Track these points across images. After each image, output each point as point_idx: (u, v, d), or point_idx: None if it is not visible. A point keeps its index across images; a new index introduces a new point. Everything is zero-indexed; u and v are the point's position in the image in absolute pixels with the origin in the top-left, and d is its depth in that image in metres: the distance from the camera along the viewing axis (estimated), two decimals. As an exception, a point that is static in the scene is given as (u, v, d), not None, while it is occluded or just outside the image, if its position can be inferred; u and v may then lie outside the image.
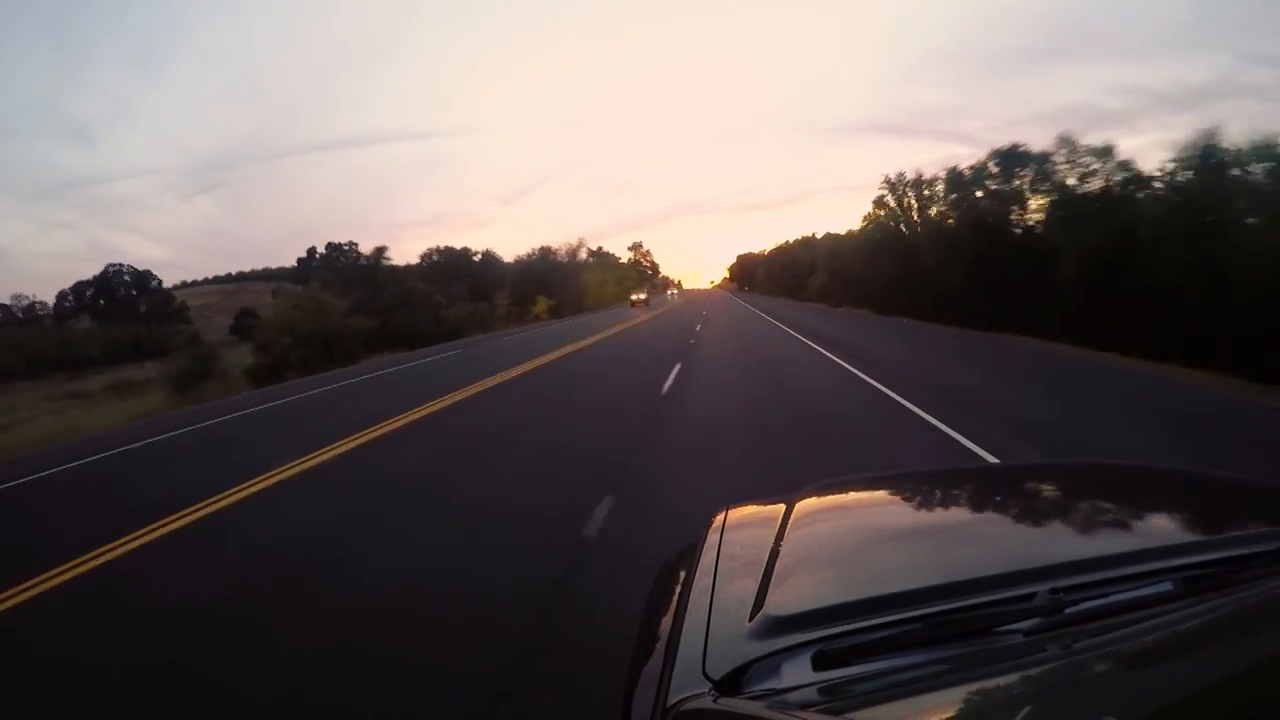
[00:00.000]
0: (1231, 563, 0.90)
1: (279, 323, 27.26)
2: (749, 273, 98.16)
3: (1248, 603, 0.80)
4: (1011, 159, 18.60)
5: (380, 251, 41.74)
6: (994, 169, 19.44)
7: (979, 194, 20.21)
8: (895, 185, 26.15)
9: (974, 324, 17.39)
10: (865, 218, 28.80)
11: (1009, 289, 16.46)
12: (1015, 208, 18.31)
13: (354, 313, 30.91)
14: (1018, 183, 18.35)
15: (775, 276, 62.45)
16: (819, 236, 55.08)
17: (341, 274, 41.44)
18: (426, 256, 52.87)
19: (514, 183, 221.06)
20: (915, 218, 25.32)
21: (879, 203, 27.30)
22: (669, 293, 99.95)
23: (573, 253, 66.02)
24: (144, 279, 68.83)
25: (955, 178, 21.87)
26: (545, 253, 61.02)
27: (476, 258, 55.55)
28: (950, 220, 21.85)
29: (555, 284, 53.66)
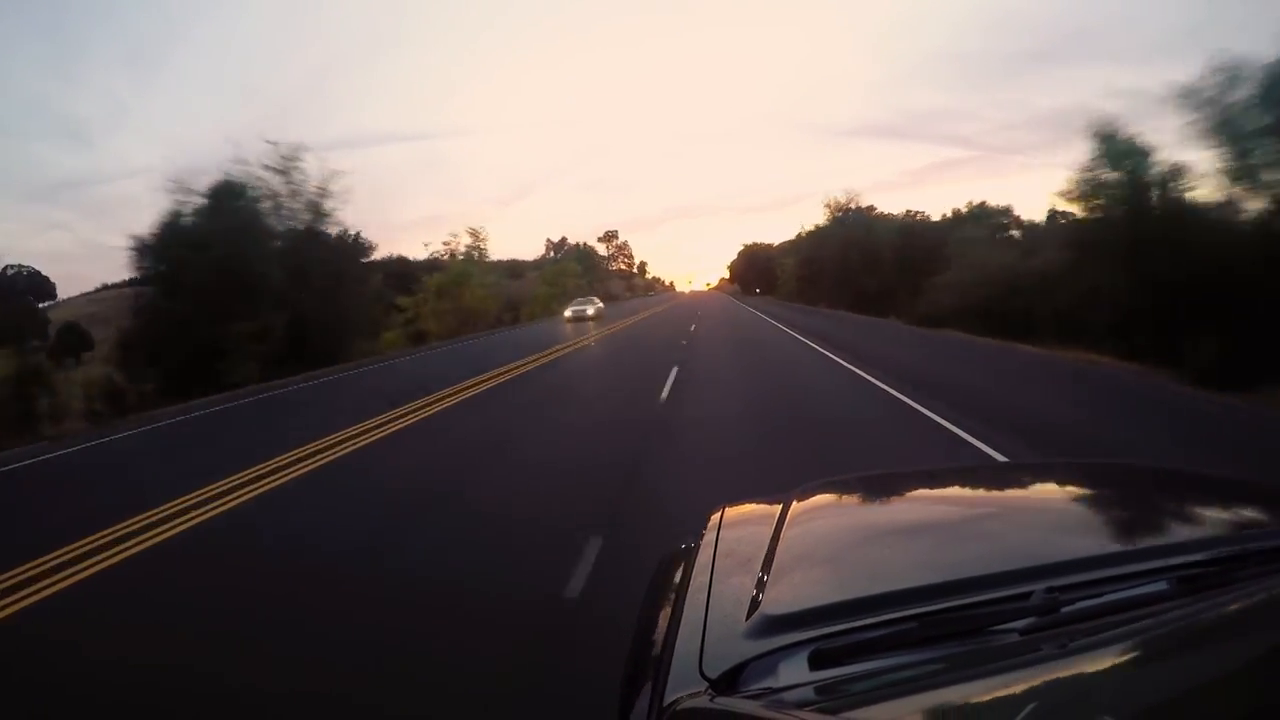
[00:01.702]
0: (1227, 562, 0.90)
1: None
2: (760, 271, 69.37)
3: (1243, 602, 0.80)
4: None
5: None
6: None
7: None
8: None
9: None
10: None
11: None
12: None
13: None
14: None
15: (820, 276, 37.40)
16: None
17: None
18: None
19: (512, 184, 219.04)
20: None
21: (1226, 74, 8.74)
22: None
23: (319, 210, 22.11)
24: (40, 283, 55.76)
25: None
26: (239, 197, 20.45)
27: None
28: None
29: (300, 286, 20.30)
